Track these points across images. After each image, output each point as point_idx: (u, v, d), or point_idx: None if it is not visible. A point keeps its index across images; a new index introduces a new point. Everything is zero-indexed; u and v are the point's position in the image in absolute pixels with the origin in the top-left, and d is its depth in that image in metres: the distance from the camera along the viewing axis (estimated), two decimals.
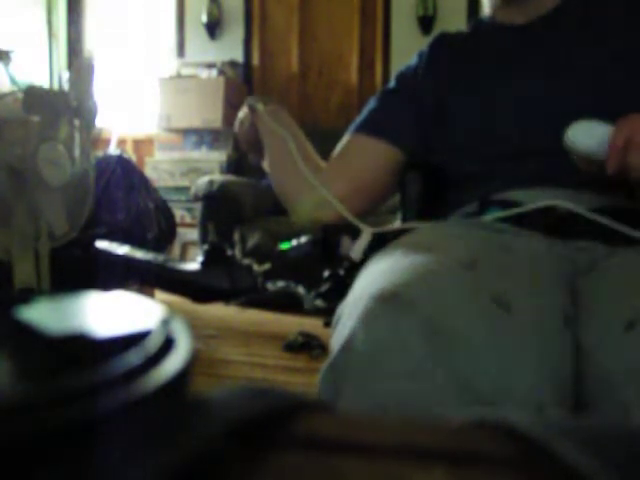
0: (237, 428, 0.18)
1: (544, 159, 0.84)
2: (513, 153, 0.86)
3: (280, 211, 1.22)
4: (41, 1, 4.07)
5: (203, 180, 2.93)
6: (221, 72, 3.68)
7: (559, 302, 0.60)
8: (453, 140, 0.93)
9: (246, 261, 1.22)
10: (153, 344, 0.18)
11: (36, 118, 0.84)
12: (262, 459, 0.19)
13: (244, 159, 3.43)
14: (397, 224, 0.97)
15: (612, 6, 0.89)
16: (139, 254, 1.18)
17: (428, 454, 0.19)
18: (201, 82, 3.63)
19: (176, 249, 3.34)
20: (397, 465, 0.18)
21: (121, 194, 1.68)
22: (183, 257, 3.43)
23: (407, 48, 3.37)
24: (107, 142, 3.43)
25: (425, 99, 0.97)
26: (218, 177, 3.03)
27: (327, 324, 0.76)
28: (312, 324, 1.43)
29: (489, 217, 0.80)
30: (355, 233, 0.85)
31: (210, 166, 3.48)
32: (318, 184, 0.93)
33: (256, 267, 1.21)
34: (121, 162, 1.80)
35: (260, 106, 1.01)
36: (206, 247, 1.21)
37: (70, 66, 4.08)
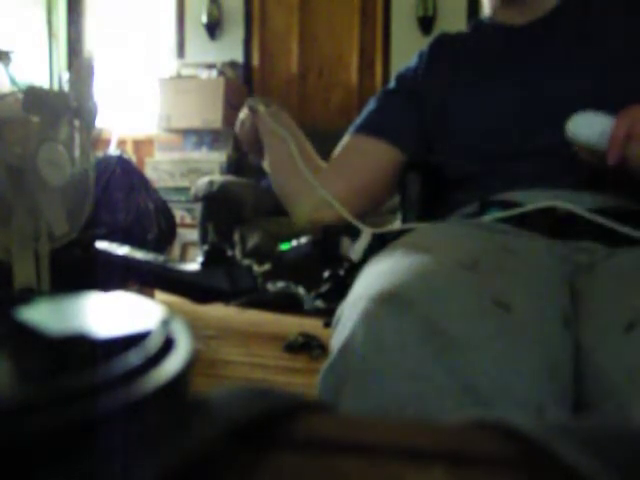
0: (237, 428, 0.18)
1: (544, 159, 0.84)
2: (513, 153, 0.87)
3: (280, 212, 1.22)
4: (41, 1, 4.07)
5: (203, 181, 2.93)
6: (221, 73, 3.68)
7: (559, 302, 0.60)
8: (453, 140, 0.93)
9: (246, 262, 1.22)
10: (153, 345, 0.18)
11: (36, 118, 0.84)
12: (262, 459, 0.19)
13: (244, 160, 3.43)
14: (397, 224, 0.97)
15: (612, 6, 0.89)
16: (139, 255, 1.18)
17: (428, 454, 0.19)
18: (201, 83, 3.63)
19: (176, 250, 3.34)
20: (397, 465, 0.18)
21: (121, 195, 1.68)
22: (183, 258, 3.43)
23: (407, 48, 3.37)
24: (107, 143, 3.43)
25: (425, 99, 0.97)
26: (218, 178, 3.03)
27: (327, 324, 0.76)
28: (312, 325, 1.43)
29: (489, 217, 0.80)
30: (355, 234, 0.85)
31: (210, 167, 3.48)
32: (318, 185, 0.93)
33: (256, 268, 1.21)
34: (121, 162, 1.80)
35: (261, 107, 1.01)
36: (206, 248, 1.21)
37: (70, 66, 4.08)
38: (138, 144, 4.04)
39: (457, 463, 0.19)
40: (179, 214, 3.35)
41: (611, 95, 0.82)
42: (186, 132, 3.63)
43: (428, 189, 0.96)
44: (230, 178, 3.10)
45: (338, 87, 3.82)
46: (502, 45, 0.93)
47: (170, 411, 0.18)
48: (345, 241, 0.85)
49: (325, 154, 1.05)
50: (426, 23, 3.59)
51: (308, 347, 1.36)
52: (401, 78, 1.03)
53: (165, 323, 0.20)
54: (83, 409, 0.15)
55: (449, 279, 0.58)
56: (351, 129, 1.03)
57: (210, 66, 3.73)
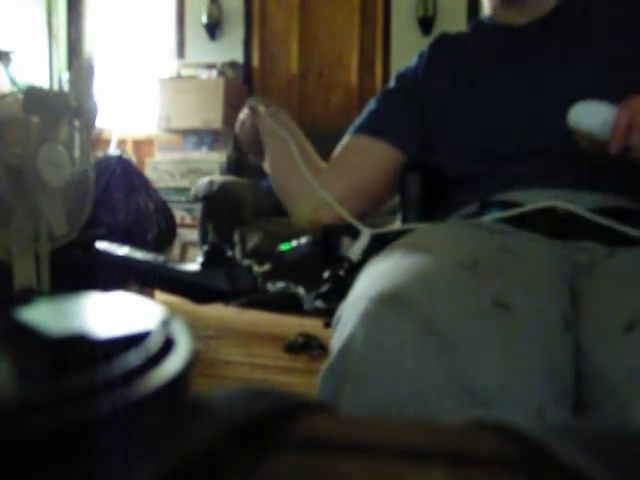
0: (237, 429, 0.18)
1: (544, 159, 0.84)
2: (513, 153, 0.87)
3: (280, 212, 1.22)
4: (41, 1, 4.07)
5: (203, 181, 2.93)
6: (221, 73, 3.68)
7: (559, 303, 0.60)
8: (453, 140, 0.93)
9: (246, 262, 1.22)
10: (153, 345, 0.18)
11: (36, 119, 0.84)
12: (262, 460, 0.19)
13: (244, 160, 3.43)
14: (397, 225, 0.97)
15: (612, 6, 0.89)
16: (139, 255, 1.18)
17: (428, 454, 0.19)
18: (201, 83, 3.63)
19: (176, 250, 3.34)
20: (397, 465, 0.18)
21: (121, 195, 1.68)
22: (183, 258, 3.43)
23: (407, 49, 3.37)
24: (107, 143, 3.43)
25: (425, 99, 0.97)
26: (218, 178, 3.03)
27: (327, 325, 0.76)
28: (312, 325, 1.43)
29: (489, 218, 0.80)
30: (355, 234, 0.85)
31: (210, 167, 3.48)
32: (318, 185, 0.93)
33: (256, 268, 1.21)
34: (121, 163, 1.80)
35: (261, 107, 1.01)
36: (206, 248, 1.21)
37: (70, 67, 4.08)
38: (138, 144, 4.04)
39: (457, 463, 0.19)
40: (179, 214, 3.35)
41: (611, 95, 0.82)
42: (186, 132, 3.63)
43: (428, 189, 0.96)
44: (230, 178, 3.10)
45: (338, 87, 3.82)
46: (502, 45, 0.93)
47: (170, 411, 0.18)
48: (345, 241, 0.85)
49: (325, 154, 1.05)
50: (426, 23, 3.59)
51: (308, 347, 1.36)
52: (401, 78, 1.03)
53: (165, 323, 0.20)
54: (83, 409, 0.15)
55: (449, 279, 0.58)
56: (351, 129, 1.03)
57: (210, 66, 3.73)
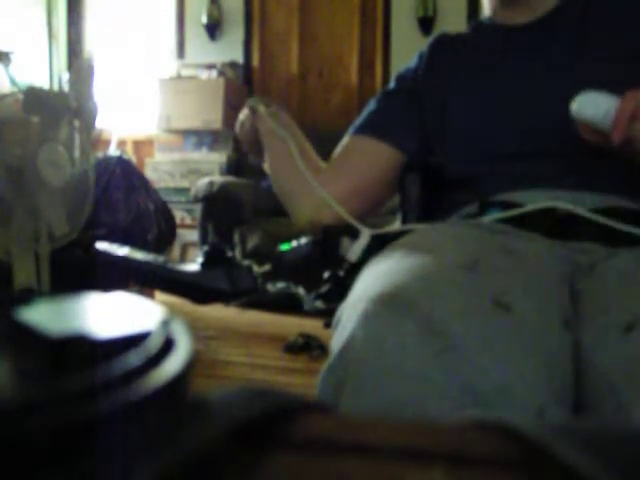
0: (237, 429, 0.18)
1: (544, 160, 0.84)
2: (513, 154, 0.87)
3: (280, 212, 1.22)
4: (41, 1, 4.07)
5: (203, 181, 2.93)
6: (221, 73, 3.68)
7: (559, 303, 0.60)
8: (453, 141, 0.93)
9: (246, 262, 1.22)
10: (153, 345, 0.18)
11: (36, 119, 0.84)
12: (262, 460, 0.19)
13: (244, 160, 3.43)
14: (397, 225, 0.97)
15: (612, 6, 0.89)
16: (139, 255, 1.18)
17: (428, 454, 0.19)
18: (201, 83, 3.63)
19: (176, 250, 3.34)
20: (397, 465, 0.18)
21: (121, 195, 1.68)
22: (183, 258, 3.43)
23: (407, 49, 3.37)
24: (107, 143, 3.43)
25: (425, 100, 0.97)
26: (218, 178, 3.03)
27: (327, 325, 0.76)
28: (312, 325, 1.42)
29: (489, 218, 0.80)
30: (355, 234, 0.85)
31: (210, 167, 3.48)
32: (317, 185, 0.93)
33: (256, 268, 1.21)
34: (121, 163, 1.79)
35: (261, 107, 1.01)
36: (206, 248, 1.21)
37: (70, 67, 4.08)
38: (138, 145, 4.04)
39: (457, 463, 0.19)
40: (179, 215, 3.35)
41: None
42: (186, 133, 3.63)
43: (428, 190, 0.96)
44: (230, 179, 3.10)
45: (338, 87, 3.82)
46: (502, 45, 0.93)
47: (170, 412, 0.18)
48: (345, 241, 0.85)
49: (325, 154, 1.05)
50: (426, 23, 3.59)
51: (308, 348, 1.36)
52: (401, 79, 1.03)
53: (165, 324, 0.20)
54: (83, 409, 0.15)
55: (449, 280, 0.58)
56: (351, 130, 1.03)
57: (210, 66, 3.73)
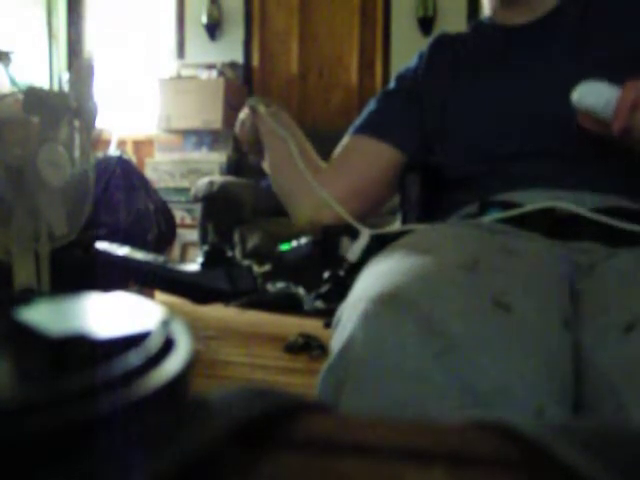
0: (237, 429, 0.18)
1: (544, 160, 0.84)
2: (513, 154, 0.87)
3: (280, 212, 1.22)
4: (41, 1, 4.07)
5: (203, 181, 2.93)
6: (221, 73, 3.68)
7: (559, 303, 0.60)
8: (453, 140, 0.93)
9: (246, 262, 1.22)
10: (153, 345, 0.18)
11: (36, 119, 0.84)
12: (262, 460, 0.19)
13: (244, 160, 3.43)
14: (397, 225, 0.97)
15: (612, 6, 0.89)
16: (139, 255, 1.18)
17: (428, 454, 0.19)
18: (201, 83, 3.63)
19: (176, 250, 3.34)
20: (397, 465, 0.18)
21: (121, 195, 1.68)
22: (183, 258, 3.43)
23: (407, 49, 3.37)
24: (107, 143, 3.43)
25: (425, 100, 0.97)
26: (218, 178, 3.03)
27: (327, 325, 0.76)
28: (312, 325, 1.42)
29: (489, 218, 0.80)
30: (355, 234, 0.85)
31: (210, 167, 3.48)
32: (317, 185, 0.93)
33: (256, 268, 1.21)
34: (121, 163, 1.79)
35: (261, 107, 1.01)
36: (206, 248, 1.21)
37: (70, 67, 4.08)
38: (138, 144, 4.04)
39: (457, 463, 0.19)
40: (179, 214, 3.35)
41: None
42: (186, 133, 3.63)
43: (428, 190, 0.96)
44: (230, 179, 3.10)
45: (338, 87, 3.82)
46: (502, 45, 0.93)
47: (170, 412, 0.18)
48: (345, 241, 0.85)
49: (325, 154, 1.05)
50: (426, 23, 3.59)
51: (308, 348, 1.36)
52: (401, 79, 1.03)
53: (165, 324, 0.20)
54: (83, 409, 0.15)
55: (449, 280, 0.58)
56: (351, 130, 1.03)
57: (210, 66, 3.73)
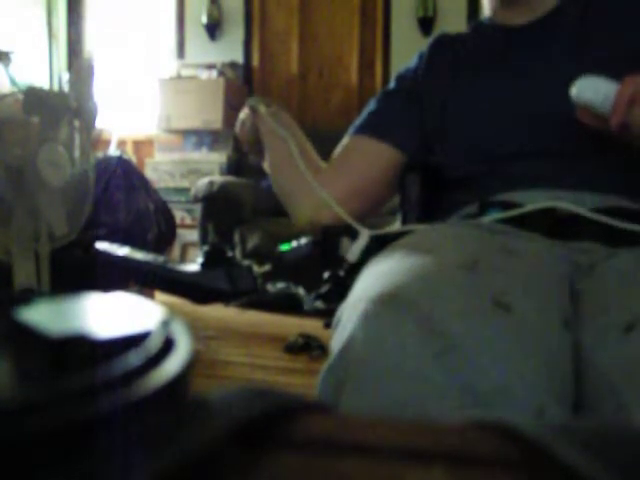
0: (237, 429, 0.18)
1: (544, 160, 0.84)
2: (513, 154, 0.87)
3: (280, 212, 1.22)
4: (41, 1, 4.07)
5: (203, 181, 2.93)
6: (221, 73, 3.68)
7: (559, 303, 0.60)
8: (453, 141, 0.93)
9: (246, 262, 1.22)
10: (153, 345, 0.18)
11: (36, 119, 0.84)
12: (262, 460, 0.19)
13: (244, 160, 3.43)
14: (397, 225, 0.97)
15: (612, 6, 0.89)
16: (139, 255, 1.18)
17: (428, 454, 0.19)
18: (201, 83, 3.63)
19: (176, 250, 3.34)
20: (397, 465, 0.18)
21: (121, 195, 1.68)
22: (183, 258, 3.43)
23: (407, 49, 3.37)
24: (107, 143, 3.43)
25: (425, 100, 0.97)
26: (218, 178, 3.03)
27: (327, 325, 0.76)
28: (312, 325, 1.42)
29: (489, 218, 0.80)
30: (354, 235, 0.85)
31: (210, 167, 3.48)
32: (317, 185, 0.93)
33: (256, 268, 1.21)
34: (121, 163, 1.79)
35: (261, 107, 1.01)
36: (206, 248, 1.21)
37: (70, 67, 4.08)
38: (138, 145, 4.04)
39: (457, 463, 0.19)
40: (179, 215, 3.35)
41: None
42: (186, 133, 3.63)
43: (428, 190, 0.96)
44: (230, 179, 3.10)
45: (338, 87, 3.82)
46: (502, 45, 0.93)
47: (170, 412, 0.18)
48: (345, 242, 0.85)
49: (325, 154, 1.05)
50: (426, 24, 3.59)
51: (308, 348, 1.36)
52: (401, 79, 1.03)
53: (165, 324, 0.20)
54: (83, 409, 0.15)
55: (449, 280, 0.58)
56: (351, 130, 1.03)
57: (210, 66, 3.73)
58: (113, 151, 1.96)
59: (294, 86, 3.86)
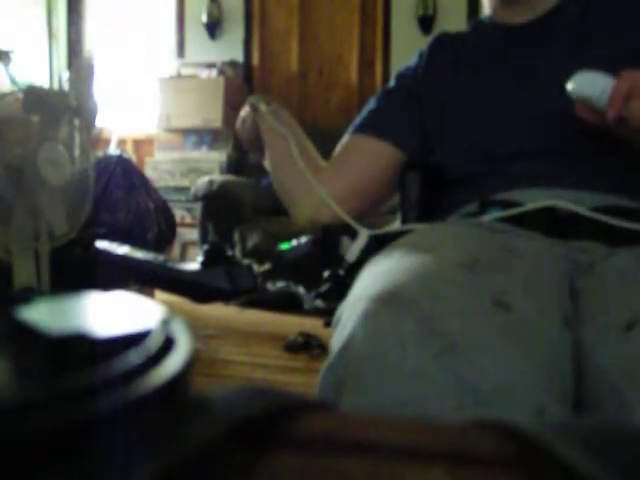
0: (237, 428, 0.18)
1: (544, 159, 0.84)
2: (513, 153, 0.86)
3: (280, 211, 1.22)
4: (41, 1, 4.07)
5: (203, 180, 2.93)
6: (221, 72, 3.68)
7: (559, 302, 0.60)
8: (453, 140, 0.93)
9: (246, 261, 1.22)
10: (153, 344, 0.18)
11: (36, 118, 0.84)
12: (262, 459, 0.19)
13: (244, 159, 3.43)
14: (397, 224, 0.97)
15: (612, 5, 0.89)
16: (139, 254, 1.18)
17: (428, 454, 0.19)
18: (201, 82, 3.63)
19: (176, 249, 3.34)
20: (397, 465, 0.18)
21: (121, 194, 1.68)
22: (183, 257, 3.43)
23: (407, 48, 3.37)
24: (107, 142, 3.43)
25: (425, 99, 0.97)
26: (218, 177, 3.03)
27: (327, 324, 0.76)
28: (312, 324, 1.43)
29: (489, 217, 0.80)
30: (354, 234, 0.85)
31: (210, 166, 3.48)
32: (316, 184, 0.93)
33: (256, 267, 1.21)
34: (121, 162, 1.80)
35: (262, 105, 1.01)
36: (206, 247, 1.21)
37: (70, 66, 4.08)
38: (138, 144, 4.04)
39: (457, 463, 0.19)
40: (179, 213, 3.35)
41: None
42: (186, 132, 3.63)
43: (428, 189, 0.96)
44: (230, 178, 3.10)
45: (338, 86, 3.82)
46: (502, 44, 0.93)
47: (170, 410, 0.18)
48: (345, 241, 0.85)
49: (325, 153, 1.05)
50: (426, 22, 3.59)
51: (308, 347, 1.36)
52: (401, 77, 1.03)
53: (165, 323, 0.20)
54: (83, 408, 0.15)
55: (449, 279, 0.58)
56: (351, 128, 1.03)
57: (210, 65, 3.73)
58: (113, 150, 1.96)
59: (294, 85, 3.86)
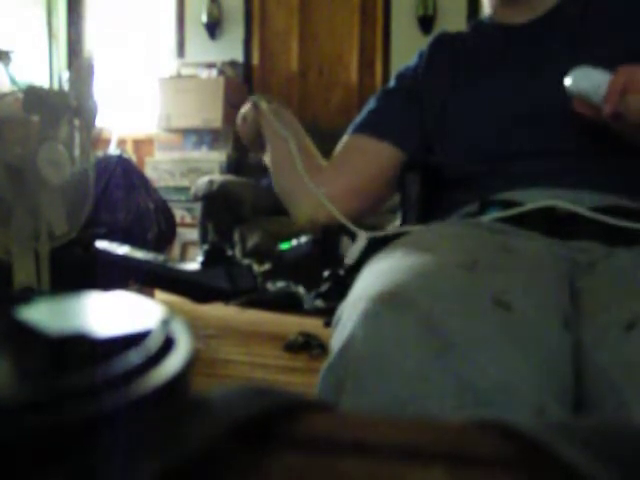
0: (237, 428, 0.18)
1: (544, 159, 0.84)
2: (513, 153, 0.87)
3: (280, 211, 1.22)
4: (41, 1, 4.07)
5: (203, 180, 2.93)
6: (221, 72, 3.68)
7: (559, 302, 0.60)
8: (453, 140, 0.93)
9: (246, 261, 1.22)
10: (153, 344, 0.18)
11: (36, 118, 0.84)
12: (262, 459, 0.19)
13: (244, 159, 3.43)
14: (397, 224, 0.97)
15: (612, 5, 0.89)
16: (139, 254, 1.18)
17: (428, 454, 0.19)
18: (201, 82, 3.63)
19: (176, 249, 3.34)
20: (397, 464, 0.18)
21: (121, 194, 1.68)
22: (183, 257, 3.43)
23: (407, 48, 3.37)
24: (107, 142, 3.43)
25: (425, 99, 0.97)
26: (218, 177, 3.03)
27: (327, 324, 0.76)
28: (312, 324, 1.43)
29: (489, 217, 0.80)
30: (354, 235, 0.85)
31: (210, 166, 3.48)
32: (313, 186, 0.92)
33: (256, 267, 1.21)
34: (121, 162, 1.80)
35: (263, 104, 1.01)
36: (206, 247, 1.21)
37: (70, 66, 4.08)
38: (138, 144, 4.04)
39: (457, 463, 0.19)
40: (179, 213, 3.35)
41: None
42: (186, 131, 3.63)
43: (428, 189, 0.96)
44: (230, 177, 3.10)
45: (338, 86, 3.82)
46: (502, 44, 0.93)
47: (170, 410, 0.18)
48: (345, 240, 0.85)
49: (325, 153, 1.05)
50: (426, 22, 3.59)
51: (308, 346, 1.36)
52: (401, 77, 1.03)
53: (165, 322, 0.20)
54: (83, 408, 0.15)
55: (449, 279, 0.58)
56: (351, 128, 1.03)
57: (210, 65, 3.73)
58: (113, 150, 1.96)
59: (294, 85, 3.86)
